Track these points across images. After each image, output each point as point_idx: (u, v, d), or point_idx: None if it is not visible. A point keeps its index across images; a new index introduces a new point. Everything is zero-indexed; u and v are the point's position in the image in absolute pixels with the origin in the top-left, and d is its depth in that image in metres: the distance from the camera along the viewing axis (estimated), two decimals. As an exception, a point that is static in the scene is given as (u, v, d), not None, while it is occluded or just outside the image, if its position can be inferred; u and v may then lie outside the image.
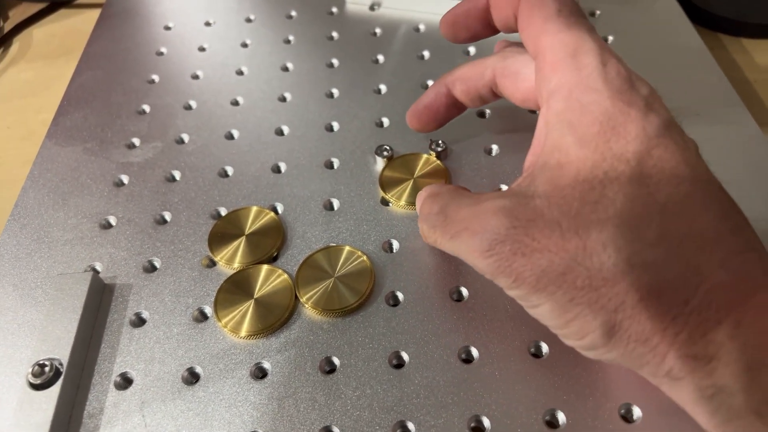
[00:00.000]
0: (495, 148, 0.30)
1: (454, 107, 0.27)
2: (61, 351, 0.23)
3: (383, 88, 0.34)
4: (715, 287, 0.17)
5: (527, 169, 0.21)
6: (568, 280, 0.18)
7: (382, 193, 0.28)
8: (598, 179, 0.18)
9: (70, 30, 0.44)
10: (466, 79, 0.26)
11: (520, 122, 0.31)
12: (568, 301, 0.18)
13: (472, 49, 0.35)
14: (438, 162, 0.29)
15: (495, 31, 0.25)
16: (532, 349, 0.23)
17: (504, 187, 0.28)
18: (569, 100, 0.19)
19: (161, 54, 0.37)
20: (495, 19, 0.24)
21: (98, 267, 0.27)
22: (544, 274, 0.18)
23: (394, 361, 0.23)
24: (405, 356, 0.23)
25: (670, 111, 0.20)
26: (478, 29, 0.25)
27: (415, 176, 0.29)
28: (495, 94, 0.26)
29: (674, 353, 0.17)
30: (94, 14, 0.42)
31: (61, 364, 0.23)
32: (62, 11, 0.46)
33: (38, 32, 0.44)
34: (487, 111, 0.32)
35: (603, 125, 0.19)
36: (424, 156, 0.29)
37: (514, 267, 0.18)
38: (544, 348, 0.23)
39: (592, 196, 0.18)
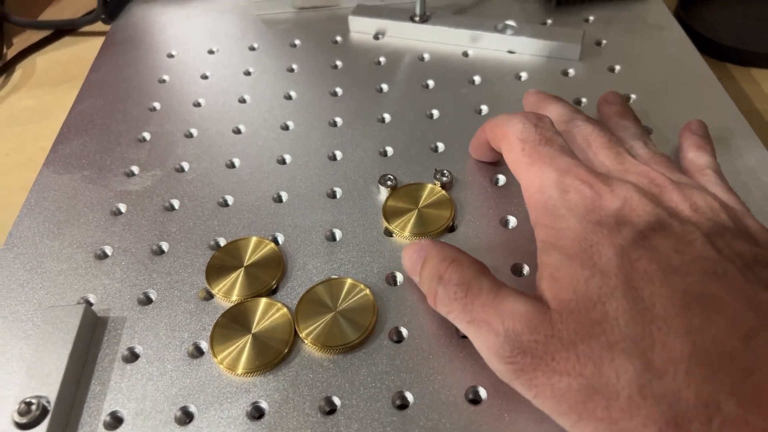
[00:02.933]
0: (501, 178, 0.29)
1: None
2: (49, 388, 0.22)
3: (387, 117, 0.33)
4: (728, 422, 0.16)
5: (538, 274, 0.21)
6: (588, 409, 0.17)
7: (385, 224, 0.27)
8: (596, 295, 0.18)
9: (74, 57, 0.44)
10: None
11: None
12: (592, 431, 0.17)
13: (477, 78, 0.35)
14: (443, 192, 0.28)
15: None
16: (543, 390, 0.22)
17: (512, 220, 0.27)
18: (546, 229, 0.21)
19: (163, 81, 0.36)
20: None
21: (92, 299, 0.26)
22: (564, 399, 0.18)
23: (398, 402, 0.22)
24: (409, 396, 0.22)
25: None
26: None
27: (419, 206, 0.28)
28: None
29: None
30: (98, 42, 0.42)
31: (48, 402, 0.22)
32: (66, 39, 0.46)
33: (42, 59, 0.44)
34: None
35: (581, 245, 0.19)
36: (429, 186, 0.29)
37: (535, 382, 0.18)
38: (556, 388, 0.22)
39: (596, 314, 0.18)
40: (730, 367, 0.16)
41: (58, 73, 0.43)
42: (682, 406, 0.16)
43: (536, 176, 0.22)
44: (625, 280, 0.18)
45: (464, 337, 0.24)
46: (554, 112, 0.28)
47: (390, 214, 0.28)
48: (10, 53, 0.44)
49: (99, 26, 0.44)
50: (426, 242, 0.24)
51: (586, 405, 0.17)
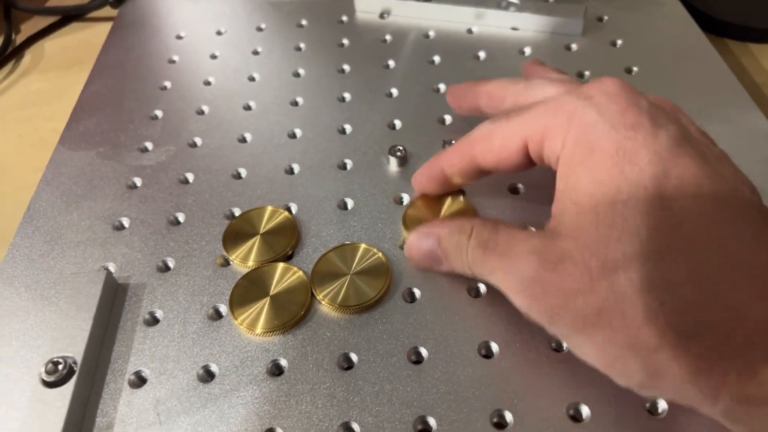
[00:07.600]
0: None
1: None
2: (75, 349, 0.23)
3: (395, 91, 0.34)
4: (758, 326, 0.16)
5: (552, 215, 0.21)
6: (604, 321, 0.17)
7: (404, 234, 0.26)
8: (619, 213, 0.18)
9: (82, 43, 0.45)
10: (451, 166, 0.25)
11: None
12: (608, 342, 0.18)
13: (482, 54, 0.35)
14: (461, 199, 0.27)
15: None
16: (553, 344, 0.23)
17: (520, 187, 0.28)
18: (576, 144, 0.20)
19: (173, 62, 0.37)
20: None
21: (111, 267, 0.26)
22: (580, 315, 0.18)
23: (413, 357, 0.23)
24: (424, 352, 0.23)
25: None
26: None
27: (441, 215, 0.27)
28: (480, 173, 0.24)
29: (726, 395, 0.16)
30: (106, 27, 0.42)
31: (75, 362, 0.22)
32: (74, 24, 0.47)
33: (50, 45, 0.45)
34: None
35: (614, 157, 0.18)
36: (449, 199, 0.27)
37: (548, 305, 0.19)
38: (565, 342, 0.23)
39: (614, 233, 0.18)
40: (760, 276, 0.16)
41: (67, 58, 0.43)
42: (704, 316, 0.16)
43: (552, 92, 0.23)
44: (656, 189, 0.18)
45: (476, 296, 0.24)
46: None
47: (410, 223, 0.26)
48: (18, 39, 0.45)
49: (107, 11, 0.45)
50: (431, 224, 0.24)
51: (602, 317, 0.17)
